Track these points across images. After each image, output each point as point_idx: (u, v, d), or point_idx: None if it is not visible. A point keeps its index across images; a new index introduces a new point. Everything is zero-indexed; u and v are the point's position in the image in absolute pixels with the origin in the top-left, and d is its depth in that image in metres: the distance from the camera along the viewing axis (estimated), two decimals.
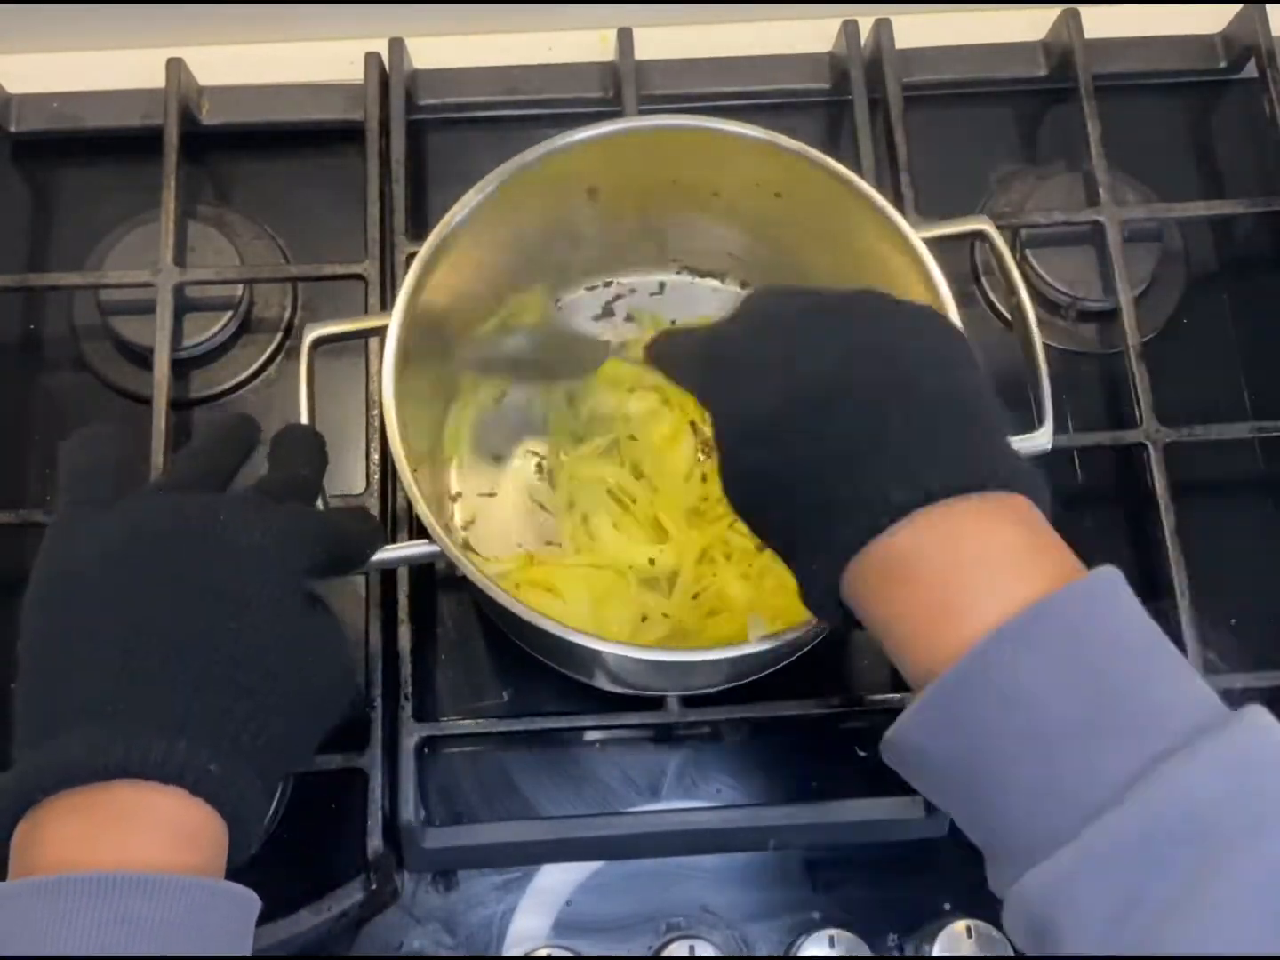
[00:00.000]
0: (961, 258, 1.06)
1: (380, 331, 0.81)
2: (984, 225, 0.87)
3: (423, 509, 0.76)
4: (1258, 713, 0.53)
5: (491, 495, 0.94)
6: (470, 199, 0.83)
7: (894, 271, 0.83)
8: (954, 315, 0.78)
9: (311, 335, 0.82)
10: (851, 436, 0.58)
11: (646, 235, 0.96)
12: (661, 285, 1.00)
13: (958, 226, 0.88)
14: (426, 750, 0.90)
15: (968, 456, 0.57)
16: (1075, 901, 0.50)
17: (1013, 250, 1.05)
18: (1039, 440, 0.80)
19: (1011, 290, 0.85)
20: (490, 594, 0.74)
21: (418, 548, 0.79)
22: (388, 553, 0.87)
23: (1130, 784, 0.50)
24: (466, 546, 0.92)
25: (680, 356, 0.74)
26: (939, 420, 0.58)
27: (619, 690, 0.89)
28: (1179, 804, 0.49)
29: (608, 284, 0.99)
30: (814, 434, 0.59)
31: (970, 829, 0.57)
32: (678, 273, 1.00)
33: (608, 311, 0.99)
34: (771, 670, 0.87)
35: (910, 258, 0.82)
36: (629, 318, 0.99)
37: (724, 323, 0.70)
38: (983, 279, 1.05)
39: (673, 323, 0.97)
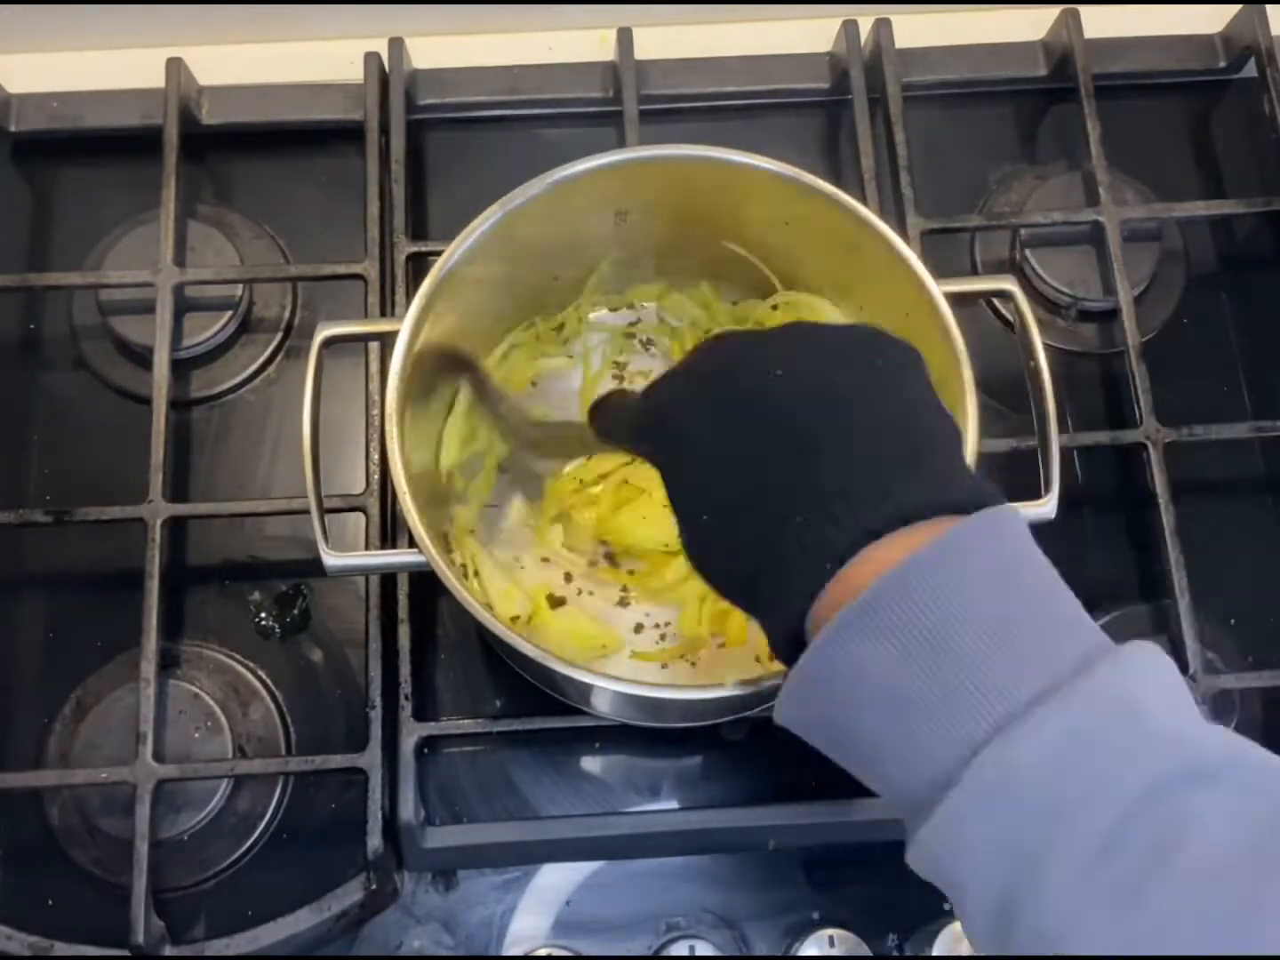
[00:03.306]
0: (960, 254, 1.06)
1: (390, 336, 0.80)
2: (1009, 285, 0.85)
3: (417, 526, 0.76)
4: (1121, 658, 0.52)
5: (494, 506, 0.94)
6: (493, 212, 0.82)
7: (914, 323, 0.81)
8: (966, 367, 0.78)
9: (323, 334, 0.82)
10: (792, 476, 0.58)
11: (675, 260, 0.95)
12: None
13: (982, 284, 0.87)
14: (426, 750, 0.90)
15: (915, 483, 0.56)
16: (945, 872, 0.53)
17: (1012, 250, 1.05)
18: (1044, 509, 0.79)
19: (1030, 355, 0.83)
20: (480, 618, 0.74)
21: (409, 557, 0.79)
22: (382, 558, 0.88)
23: (969, 758, 0.50)
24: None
25: (623, 421, 0.71)
26: (882, 448, 0.58)
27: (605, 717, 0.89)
28: (1011, 781, 0.50)
29: (631, 305, 0.98)
30: (752, 480, 0.59)
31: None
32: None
33: (629, 334, 0.98)
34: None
35: (929, 309, 0.80)
36: (648, 342, 0.98)
37: (658, 380, 0.68)
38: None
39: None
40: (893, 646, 0.52)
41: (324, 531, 0.78)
